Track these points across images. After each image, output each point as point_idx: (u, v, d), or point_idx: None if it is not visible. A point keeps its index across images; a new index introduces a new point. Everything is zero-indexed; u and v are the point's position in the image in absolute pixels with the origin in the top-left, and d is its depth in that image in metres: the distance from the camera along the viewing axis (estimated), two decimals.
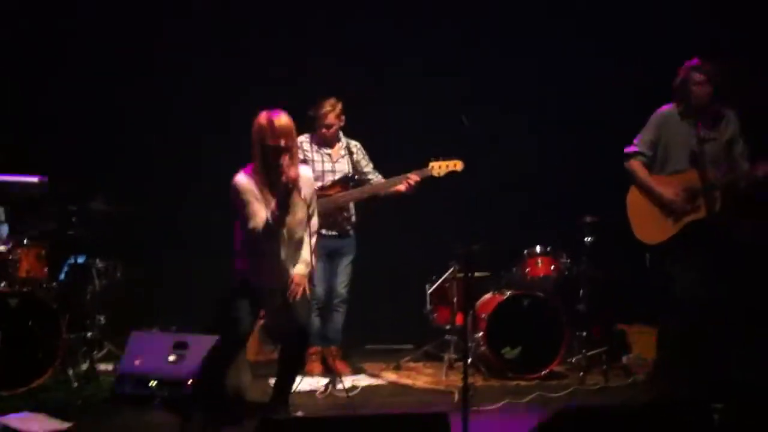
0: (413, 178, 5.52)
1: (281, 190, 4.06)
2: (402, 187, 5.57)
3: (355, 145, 5.85)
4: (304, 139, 5.73)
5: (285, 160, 4.05)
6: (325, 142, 5.76)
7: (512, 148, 6.81)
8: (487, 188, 6.17)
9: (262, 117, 4.12)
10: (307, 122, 5.64)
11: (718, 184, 4.65)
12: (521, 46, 6.91)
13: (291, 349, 4.43)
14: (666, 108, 4.91)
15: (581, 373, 5.59)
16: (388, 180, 5.69)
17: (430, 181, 5.61)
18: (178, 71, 6.51)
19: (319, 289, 5.70)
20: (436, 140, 5.85)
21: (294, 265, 4.29)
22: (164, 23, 6.55)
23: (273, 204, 4.09)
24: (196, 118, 6.47)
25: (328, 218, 5.58)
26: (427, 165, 5.55)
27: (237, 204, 4.16)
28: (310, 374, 5.55)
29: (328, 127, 5.70)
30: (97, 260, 5.71)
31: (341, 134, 5.84)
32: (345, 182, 5.73)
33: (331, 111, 5.68)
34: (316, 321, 5.74)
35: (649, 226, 4.84)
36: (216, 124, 6.33)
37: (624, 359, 6.06)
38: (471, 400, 4.41)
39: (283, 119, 4.11)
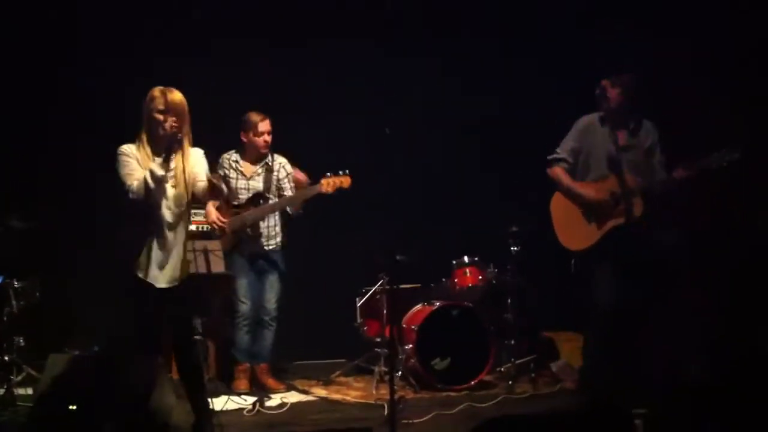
0: (299, 197, 5.58)
1: (162, 145, 3.98)
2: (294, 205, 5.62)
3: (279, 162, 5.79)
4: (227, 156, 5.70)
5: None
6: (257, 153, 5.70)
7: (437, 159, 6.85)
8: (413, 200, 6.19)
9: (156, 89, 4.06)
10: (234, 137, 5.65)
11: (637, 190, 4.75)
12: (444, 54, 6.94)
13: (183, 361, 4.26)
14: (588, 116, 5.01)
15: (510, 382, 5.64)
16: (281, 200, 5.69)
17: (358, 193, 5.60)
18: (97, 87, 6.32)
19: (246, 306, 5.65)
20: (358, 151, 5.84)
21: (182, 257, 4.13)
22: (80, 35, 6.38)
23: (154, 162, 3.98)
24: (114, 134, 6.29)
25: (240, 236, 5.61)
26: (319, 182, 5.55)
27: (118, 168, 4.02)
28: (237, 391, 5.49)
29: (269, 133, 5.67)
30: (15, 281, 5.52)
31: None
32: (256, 200, 5.68)
33: (267, 119, 5.68)
34: (245, 338, 5.70)
35: (573, 232, 4.91)
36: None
37: (551, 367, 6.12)
38: (400, 414, 4.43)
39: (177, 94, 4.05)
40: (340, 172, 5.49)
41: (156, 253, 4.07)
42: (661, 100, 5.18)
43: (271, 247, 5.74)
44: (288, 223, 5.84)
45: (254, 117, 5.66)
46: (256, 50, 6.57)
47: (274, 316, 5.75)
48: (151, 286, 4.07)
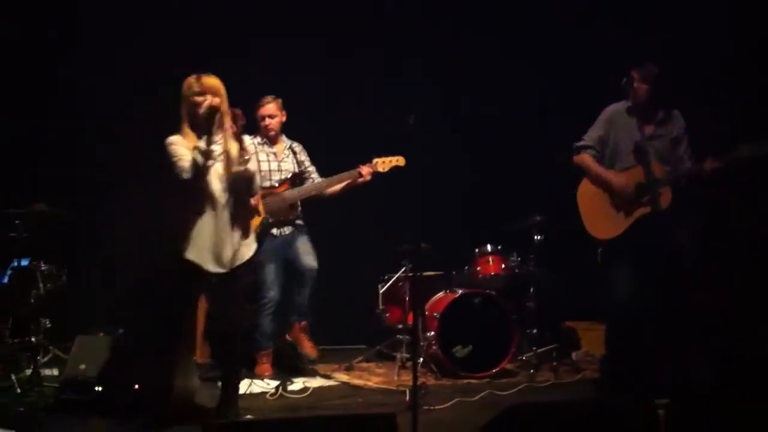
0: (365, 169, 5.64)
1: (203, 122, 4.02)
2: (353, 179, 5.68)
3: (297, 145, 5.91)
4: (247, 139, 5.72)
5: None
6: (268, 137, 5.78)
7: (461, 147, 6.84)
8: (438, 187, 6.18)
9: (190, 77, 4.13)
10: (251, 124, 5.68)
11: (664, 180, 4.70)
12: (465, 43, 6.94)
13: (225, 345, 4.32)
14: (614, 105, 4.95)
15: (531, 371, 5.64)
16: (339, 175, 5.74)
17: (382, 179, 5.69)
18: (119, 65, 6.40)
19: (273, 292, 5.69)
20: (383, 141, 5.86)
21: (239, 242, 4.16)
22: (88, 25, 6.47)
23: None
24: (139, 119, 6.36)
25: (279, 216, 5.66)
26: (371, 161, 5.67)
27: (167, 157, 4.07)
28: (260, 376, 5.53)
29: (272, 117, 5.74)
30: (42, 263, 5.59)
31: (284, 135, 5.88)
32: (293, 181, 5.77)
33: (272, 102, 5.76)
34: (269, 324, 5.74)
35: (600, 220, 4.86)
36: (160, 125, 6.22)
37: (573, 356, 6.12)
38: (422, 400, 4.44)
39: (212, 77, 4.13)
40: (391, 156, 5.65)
41: (212, 237, 4.11)
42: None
43: (296, 227, 5.80)
44: (310, 208, 5.90)
45: (259, 101, 5.76)
46: (256, 49, 6.60)
47: (315, 269, 5.79)
48: (203, 269, 4.11)
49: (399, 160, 5.67)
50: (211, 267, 4.13)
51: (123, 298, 6.26)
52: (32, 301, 5.46)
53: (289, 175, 5.77)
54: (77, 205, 5.74)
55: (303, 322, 5.91)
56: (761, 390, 3.60)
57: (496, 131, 6.88)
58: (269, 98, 5.76)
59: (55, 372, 5.34)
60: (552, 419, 3.25)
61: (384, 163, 5.68)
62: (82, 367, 4.70)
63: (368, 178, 5.67)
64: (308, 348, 5.91)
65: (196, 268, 4.13)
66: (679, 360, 4.86)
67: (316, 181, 5.82)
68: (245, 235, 4.23)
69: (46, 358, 5.50)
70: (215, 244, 4.12)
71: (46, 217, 5.50)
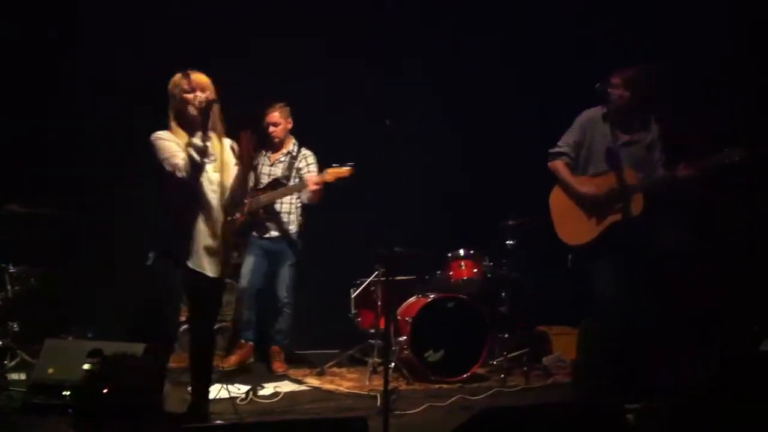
0: (312, 180, 5.61)
1: (197, 123, 3.96)
2: (307, 194, 5.74)
3: (303, 153, 6.00)
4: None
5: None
6: (272, 143, 5.94)
7: (435, 151, 6.85)
8: (412, 191, 6.19)
9: (177, 75, 4.08)
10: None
11: (638, 187, 4.71)
12: (442, 48, 6.96)
13: (203, 347, 4.30)
14: (590, 110, 4.95)
15: (502, 375, 5.66)
16: (288, 186, 5.87)
17: (356, 184, 5.64)
18: (99, 70, 6.35)
19: (245, 281, 5.92)
20: (358, 144, 5.86)
21: (230, 245, 4.14)
22: (78, 21, 6.42)
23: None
24: (116, 123, 6.31)
25: (255, 217, 5.84)
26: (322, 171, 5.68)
27: (156, 153, 3.98)
28: (228, 367, 5.65)
29: (275, 125, 5.91)
30: (10, 265, 5.53)
31: (294, 142, 6.01)
32: (274, 185, 5.88)
33: (276, 110, 5.92)
34: (248, 314, 5.95)
35: (572, 226, 4.86)
36: (138, 129, 6.18)
37: (544, 360, 6.15)
38: (393, 405, 4.43)
39: (200, 74, 4.08)
40: (349, 164, 5.54)
41: (206, 240, 4.05)
42: (663, 100, 5.16)
43: (282, 233, 5.93)
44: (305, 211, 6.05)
45: (267, 108, 5.91)
46: (256, 49, 6.58)
47: (287, 303, 6.00)
48: (201, 274, 4.06)
49: (343, 172, 5.50)
50: (209, 272, 4.07)
51: (93, 301, 6.21)
52: (0, 303, 5.41)
53: (271, 180, 5.92)
54: (52, 206, 5.67)
55: (277, 347, 6.08)
56: (756, 390, 3.61)
57: (472, 135, 6.89)
58: (276, 106, 5.92)
59: (23, 376, 5.26)
60: (523, 423, 3.26)
61: (330, 174, 5.52)
62: (50, 371, 4.65)
63: (314, 188, 5.58)
64: (276, 365, 6.04)
65: (194, 272, 4.05)
66: (672, 361, 4.88)
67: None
68: (234, 238, 4.25)
69: (13, 362, 5.43)
70: (212, 247, 4.06)
71: (17, 218, 5.43)
